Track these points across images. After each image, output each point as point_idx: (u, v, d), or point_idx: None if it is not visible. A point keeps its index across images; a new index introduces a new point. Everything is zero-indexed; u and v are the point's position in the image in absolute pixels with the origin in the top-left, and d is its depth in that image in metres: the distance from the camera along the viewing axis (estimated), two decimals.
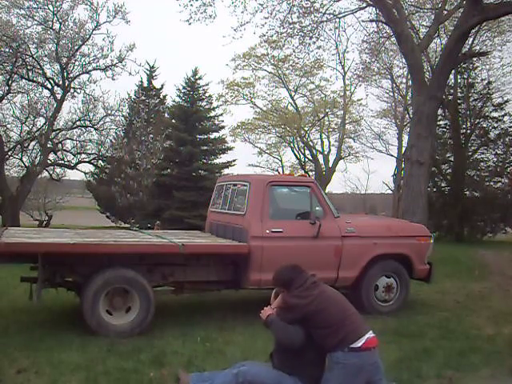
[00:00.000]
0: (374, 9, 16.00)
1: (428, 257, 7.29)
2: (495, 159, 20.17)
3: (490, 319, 6.71)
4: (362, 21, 18.29)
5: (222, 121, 22.01)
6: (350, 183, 68.08)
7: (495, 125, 20.00)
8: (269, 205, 6.43)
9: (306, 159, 31.63)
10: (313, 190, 6.61)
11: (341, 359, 3.48)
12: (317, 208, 6.45)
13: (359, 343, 3.51)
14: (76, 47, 17.04)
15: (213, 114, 21.52)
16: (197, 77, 21.06)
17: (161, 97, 24.07)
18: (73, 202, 26.79)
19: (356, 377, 3.49)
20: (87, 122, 18.21)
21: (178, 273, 6.12)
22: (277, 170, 32.15)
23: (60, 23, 16.72)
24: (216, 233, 7.27)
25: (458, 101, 20.29)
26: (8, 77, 16.60)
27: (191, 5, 14.89)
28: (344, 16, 16.43)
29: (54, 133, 17.68)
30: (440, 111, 18.36)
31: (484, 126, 20.19)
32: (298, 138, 30.15)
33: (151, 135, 20.67)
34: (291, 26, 15.93)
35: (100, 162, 19.92)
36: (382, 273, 6.91)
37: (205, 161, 20.69)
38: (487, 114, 20.17)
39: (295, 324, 3.60)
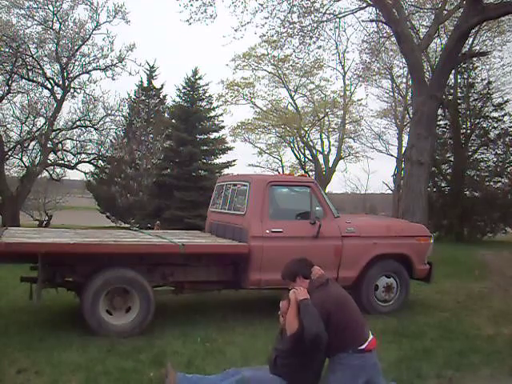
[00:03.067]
0: (374, 9, 16.01)
1: (428, 257, 7.30)
2: (495, 159, 20.17)
3: (490, 319, 6.71)
4: (362, 21, 18.33)
5: (222, 121, 22.02)
6: (350, 183, 67.99)
7: (495, 125, 20.00)
8: (269, 205, 6.44)
9: (306, 159, 31.63)
10: (313, 190, 6.62)
11: (344, 360, 3.50)
12: (317, 208, 6.46)
13: (364, 345, 3.54)
14: (76, 47, 17.00)
15: (213, 113, 21.50)
16: (197, 77, 21.04)
17: (161, 97, 24.05)
18: (73, 202, 26.70)
19: (358, 377, 3.51)
20: (87, 122, 18.17)
21: (178, 273, 6.12)
22: (277, 170, 32.15)
23: (60, 23, 16.69)
24: (216, 233, 7.27)
25: (458, 101, 20.30)
26: (8, 77, 16.56)
27: (191, 5, 14.90)
28: (344, 16, 16.44)
29: (53, 133, 17.64)
30: (440, 111, 18.37)
31: (484, 126, 20.19)
32: (298, 138, 30.13)
33: (151, 135, 20.67)
34: (291, 25, 15.94)
35: (100, 161, 19.89)
36: (382, 273, 6.91)
37: (205, 161, 20.66)
38: (487, 113, 20.17)
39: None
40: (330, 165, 30.07)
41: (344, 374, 3.48)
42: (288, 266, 3.87)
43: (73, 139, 18.44)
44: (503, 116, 19.90)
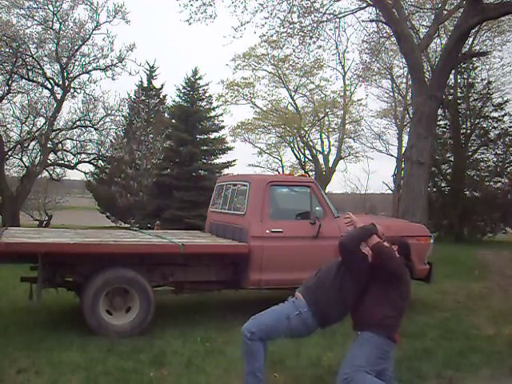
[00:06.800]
0: (374, 9, 16.02)
1: (428, 257, 7.29)
2: (495, 159, 20.19)
3: (490, 319, 6.71)
4: (362, 21, 18.39)
5: (222, 121, 22.03)
6: (350, 183, 68.05)
7: (495, 125, 20.02)
8: (269, 205, 6.43)
9: (306, 159, 31.63)
10: (313, 190, 6.61)
11: (375, 341, 3.62)
12: (317, 208, 6.45)
13: (396, 335, 3.74)
14: (76, 47, 16.98)
15: (213, 113, 21.51)
16: (197, 77, 21.05)
17: (161, 97, 24.03)
18: (73, 202, 26.72)
19: (380, 362, 3.63)
20: (87, 122, 18.15)
21: (178, 273, 6.11)
22: (277, 170, 32.15)
23: (60, 23, 16.67)
24: (216, 233, 7.27)
25: (458, 101, 20.30)
26: (8, 77, 16.55)
27: (191, 5, 14.94)
28: (344, 16, 16.46)
29: (53, 133, 17.62)
30: (440, 111, 18.37)
31: (484, 126, 20.21)
32: (298, 138, 30.14)
33: (151, 135, 20.63)
34: (291, 25, 15.96)
35: (100, 162, 19.87)
36: None
37: (205, 161, 20.67)
38: (487, 113, 20.18)
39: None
40: (330, 165, 30.08)
41: (371, 352, 3.58)
42: None
43: (73, 139, 18.43)
44: (503, 116, 19.93)
